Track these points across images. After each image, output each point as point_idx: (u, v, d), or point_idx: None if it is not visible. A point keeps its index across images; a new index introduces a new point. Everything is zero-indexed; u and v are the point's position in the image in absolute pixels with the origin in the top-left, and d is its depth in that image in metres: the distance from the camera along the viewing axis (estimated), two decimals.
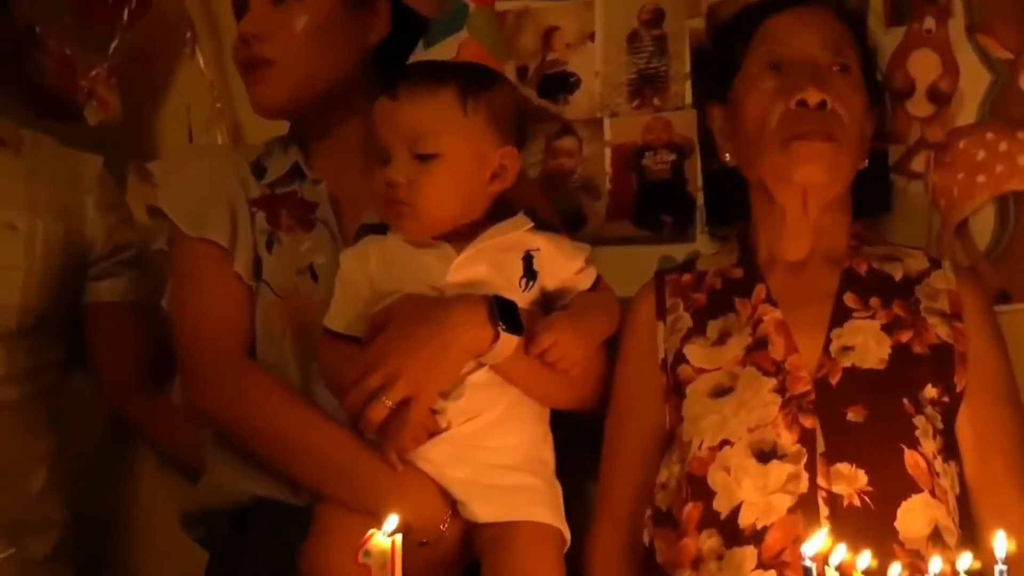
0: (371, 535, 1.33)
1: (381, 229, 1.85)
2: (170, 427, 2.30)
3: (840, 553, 1.31)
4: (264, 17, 1.94)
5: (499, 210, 1.85)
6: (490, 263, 1.80)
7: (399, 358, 1.72)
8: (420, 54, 1.83)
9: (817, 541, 1.32)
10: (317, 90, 1.95)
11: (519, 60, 2.30)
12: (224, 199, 1.97)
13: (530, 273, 1.82)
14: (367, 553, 1.33)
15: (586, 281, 1.88)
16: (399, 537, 1.32)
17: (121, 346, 2.31)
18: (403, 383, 1.72)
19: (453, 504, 1.77)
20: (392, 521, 1.34)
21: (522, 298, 1.80)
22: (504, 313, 1.75)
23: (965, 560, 1.35)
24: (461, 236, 1.81)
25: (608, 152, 2.26)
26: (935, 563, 1.34)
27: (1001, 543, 1.33)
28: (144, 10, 2.43)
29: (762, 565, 1.69)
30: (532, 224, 1.84)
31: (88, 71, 2.41)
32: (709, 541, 1.74)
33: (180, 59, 2.51)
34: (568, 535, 1.81)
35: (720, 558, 1.72)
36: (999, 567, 1.30)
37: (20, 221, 2.19)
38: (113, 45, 2.42)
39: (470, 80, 1.80)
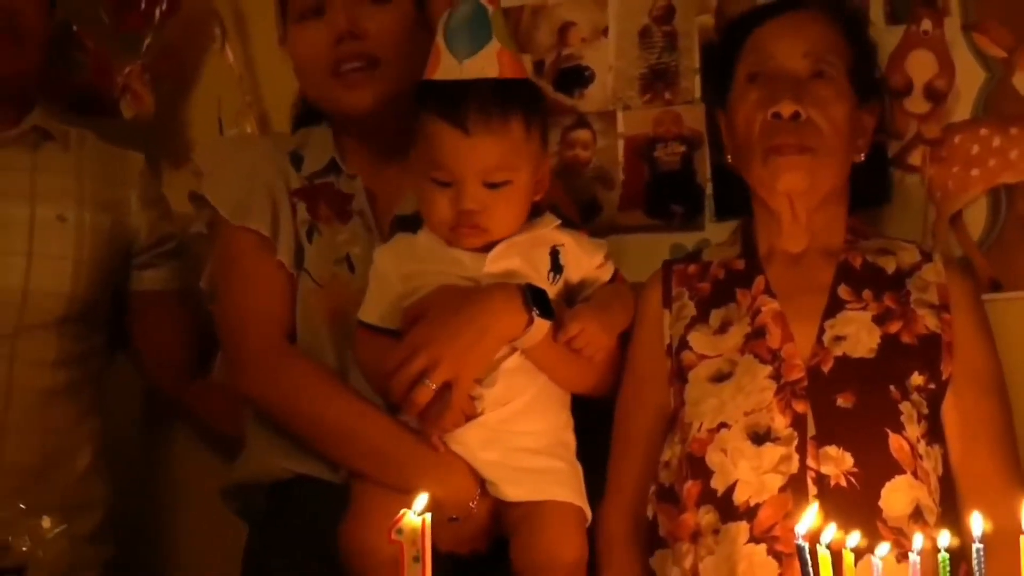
0: (403, 514, 1.40)
1: (415, 222, 1.93)
2: (211, 407, 2.37)
3: (831, 532, 1.36)
4: (362, 14, 1.98)
5: None
6: (522, 256, 1.89)
7: (441, 343, 1.80)
8: (457, 69, 1.85)
9: (809, 519, 1.38)
10: (405, 89, 1.94)
11: (536, 55, 2.39)
12: (265, 189, 2.02)
13: (557, 267, 1.92)
14: (399, 531, 1.39)
15: (606, 274, 1.97)
16: (428, 516, 1.39)
17: (163, 332, 2.38)
18: (445, 366, 1.80)
19: (482, 484, 1.86)
20: (422, 500, 1.41)
21: (550, 289, 1.89)
22: (537, 300, 1.84)
23: (944, 538, 1.40)
24: None
25: (621, 144, 2.35)
26: (917, 540, 1.41)
27: (977, 523, 1.39)
28: (175, 9, 2.52)
29: (754, 539, 1.79)
30: (559, 222, 1.94)
31: (122, 68, 2.50)
32: (707, 516, 1.83)
33: (210, 55, 2.59)
34: (589, 513, 1.90)
35: (716, 532, 1.82)
36: (976, 545, 1.36)
37: (70, 213, 2.26)
38: (146, 43, 2.51)
39: (527, 103, 1.87)
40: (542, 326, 1.84)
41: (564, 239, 1.94)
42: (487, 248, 1.89)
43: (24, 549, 1.86)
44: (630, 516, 1.97)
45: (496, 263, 1.88)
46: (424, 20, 2.03)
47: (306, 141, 2.10)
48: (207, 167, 2.10)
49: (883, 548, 1.40)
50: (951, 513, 1.84)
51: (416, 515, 1.39)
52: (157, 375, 2.42)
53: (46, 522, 1.87)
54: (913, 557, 1.37)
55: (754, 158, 1.91)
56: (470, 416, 1.85)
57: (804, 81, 1.90)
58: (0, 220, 2.22)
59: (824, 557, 1.32)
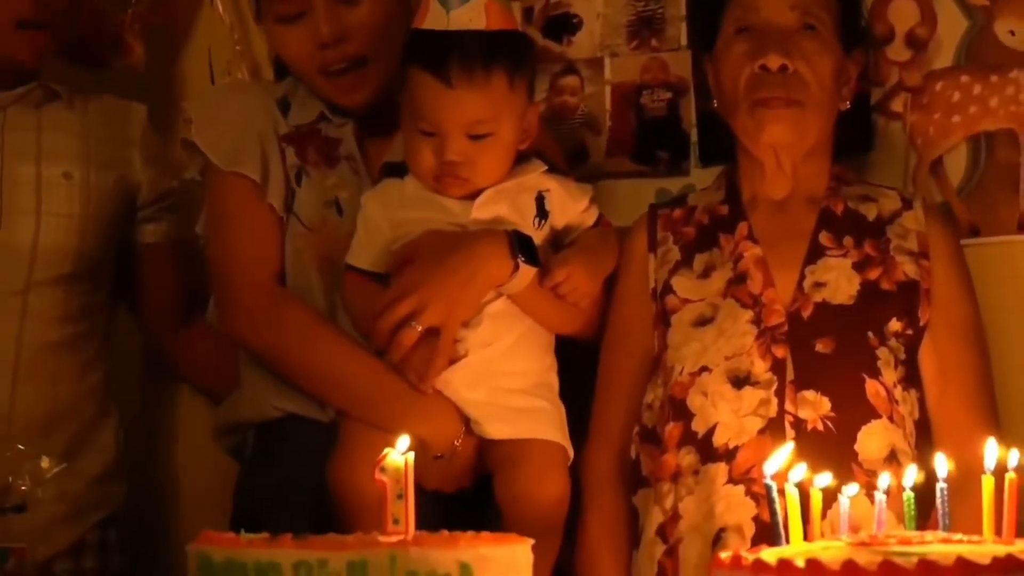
0: (386, 454, 1.40)
1: (404, 168, 1.95)
2: (200, 354, 2.41)
3: (800, 472, 1.38)
4: (343, 16, 2.00)
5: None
6: (508, 203, 1.93)
7: (429, 287, 1.84)
8: (444, 19, 1.86)
9: (778, 460, 1.40)
10: (398, 73, 1.94)
11: (525, 1, 2.40)
12: (255, 135, 2.05)
13: (542, 212, 1.95)
14: (383, 469, 1.39)
15: (591, 219, 2.00)
16: (411, 455, 1.40)
17: (161, 282, 2.42)
18: (433, 310, 1.84)
19: (466, 423, 1.90)
20: (405, 441, 1.42)
21: (536, 235, 1.92)
22: (523, 246, 1.88)
23: (911, 475, 1.43)
24: None
25: (608, 90, 2.37)
26: (884, 479, 1.44)
27: (942, 464, 1.42)
28: None
29: (732, 480, 1.83)
30: (546, 167, 1.96)
31: (113, 18, 2.51)
32: (687, 458, 1.88)
33: (200, 6, 2.60)
34: (571, 451, 1.94)
35: (696, 473, 1.86)
36: (940, 485, 1.39)
37: (75, 171, 2.28)
38: None
39: (512, 56, 1.88)
40: (528, 272, 1.88)
41: (550, 184, 1.96)
42: (473, 196, 1.92)
43: (24, 488, 1.91)
44: (614, 455, 2.00)
45: (483, 210, 1.91)
46: (407, 3, 2.06)
47: (294, 90, 2.12)
48: (197, 114, 2.12)
49: (852, 488, 1.43)
50: (927, 456, 1.83)
51: (400, 454, 1.42)
52: (154, 325, 2.46)
53: (45, 462, 1.91)
54: (879, 496, 1.40)
55: (740, 109, 1.94)
56: (453, 359, 1.89)
57: (792, 34, 1.92)
58: (8, 179, 2.24)
59: (792, 497, 1.34)
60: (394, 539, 1.29)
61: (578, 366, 2.06)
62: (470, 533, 1.43)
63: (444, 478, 1.91)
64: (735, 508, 1.82)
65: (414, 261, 1.88)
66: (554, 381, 1.98)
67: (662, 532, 1.89)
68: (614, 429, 2.02)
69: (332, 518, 1.83)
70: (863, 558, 1.14)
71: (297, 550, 1.25)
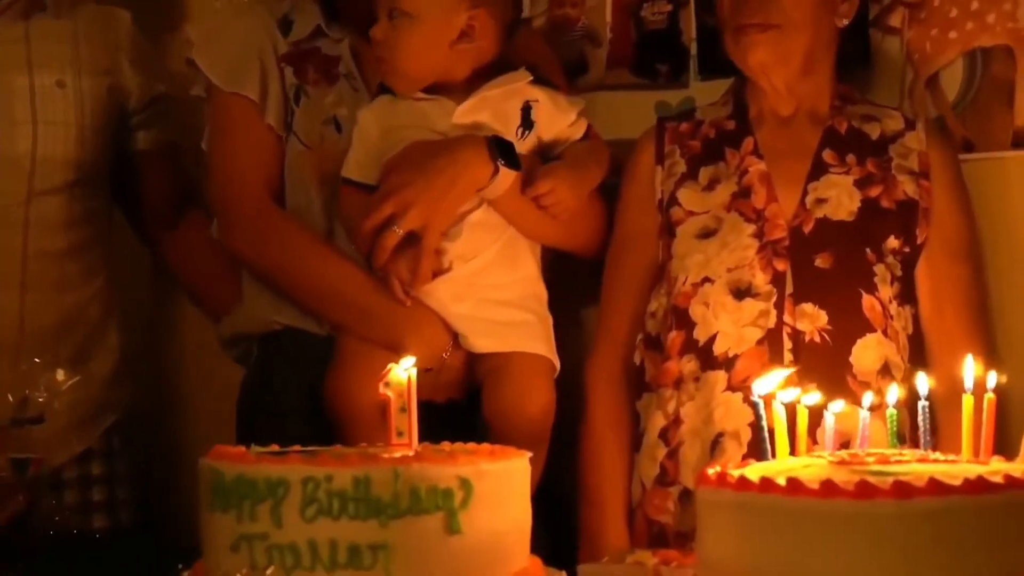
0: (390, 369, 1.48)
1: None
2: (192, 258, 2.44)
3: (790, 393, 1.42)
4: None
5: (503, 68, 2.00)
6: (491, 111, 1.97)
7: (410, 190, 1.88)
8: None
9: (770, 381, 1.44)
10: None
11: None
12: (255, 56, 2.10)
13: (527, 123, 1.99)
14: (387, 384, 1.47)
15: (578, 131, 2.04)
16: (414, 372, 1.47)
17: (155, 187, 2.43)
18: (414, 212, 1.88)
19: (455, 336, 1.96)
20: (409, 360, 1.50)
21: (520, 144, 1.96)
22: (502, 150, 1.92)
23: (893, 392, 1.47)
24: (460, 90, 1.97)
25: (609, 3, 2.38)
26: (867, 397, 1.49)
27: (923, 383, 1.46)
28: None
29: (731, 388, 1.91)
30: (531, 77, 1.99)
31: None
32: (688, 365, 1.95)
33: None
34: (557, 363, 1.99)
35: (697, 379, 1.94)
36: (921, 403, 1.44)
37: (68, 79, 2.27)
38: None
39: None
40: (507, 176, 1.92)
41: (538, 95, 2.00)
42: (461, 88, 1.96)
43: (41, 400, 1.96)
44: (619, 359, 2.07)
45: (464, 116, 1.96)
46: None
47: (297, 5, 2.15)
48: (199, 35, 2.17)
49: (838, 404, 1.48)
50: (920, 369, 1.92)
51: (402, 370, 1.47)
52: (149, 229, 2.48)
53: (60, 375, 1.95)
54: (863, 412, 1.45)
55: (727, 33, 1.99)
56: (437, 272, 1.93)
57: None
58: (2, 90, 2.23)
59: (778, 414, 1.39)
60: (397, 454, 1.37)
61: (579, 278, 2.12)
62: (471, 445, 1.50)
63: (435, 389, 1.96)
64: (733, 414, 1.90)
65: (397, 168, 1.92)
66: (541, 291, 2.03)
67: (664, 435, 1.97)
68: (620, 334, 2.08)
69: (329, 426, 1.91)
70: (841, 477, 1.20)
71: (305, 466, 1.32)
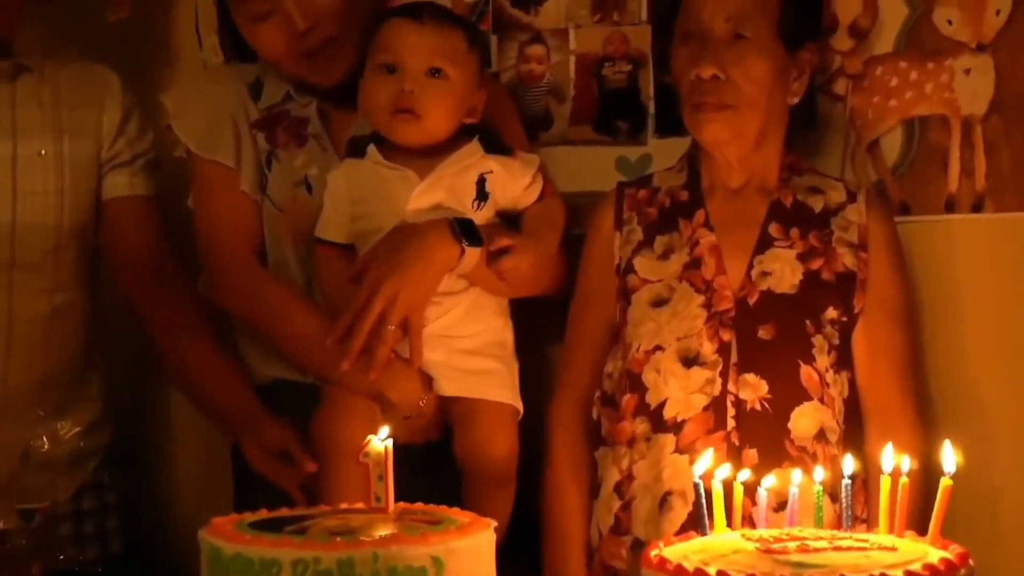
0: (368, 441, 1.62)
1: (368, 142, 2.09)
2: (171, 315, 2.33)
3: (725, 470, 1.56)
4: (309, 5, 2.11)
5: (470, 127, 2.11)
6: (447, 189, 2.07)
7: (388, 285, 1.98)
8: None
9: (705, 462, 1.57)
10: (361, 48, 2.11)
11: None
12: (229, 122, 2.21)
13: (482, 195, 2.10)
14: (366, 454, 1.61)
15: (533, 194, 2.15)
16: (390, 443, 1.61)
17: (133, 237, 2.35)
18: (399, 306, 1.99)
19: (430, 383, 2.09)
20: (384, 431, 1.63)
21: (476, 216, 2.08)
22: (464, 230, 2.03)
23: (819, 473, 1.60)
24: (425, 159, 2.07)
25: (573, 60, 2.49)
26: (796, 475, 1.60)
27: (848, 464, 1.57)
28: None
29: (679, 450, 2.04)
30: (483, 151, 2.10)
31: None
32: (641, 426, 2.08)
33: None
34: (521, 408, 2.13)
35: (648, 440, 2.06)
36: (844, 481, 1.56)
37: (48, 147, 2.24)
38: None
39: (472, 29, 2.10)
40: (473, 254, 2.03)
41: (491, 165, 2.11)
42: (425, 152, 2.05)
43: (43, 450, 2.08)
44: (580, 407, 2.20)
45: (422, 198, 2.05)
46: None
47: (265, 70, 2.26)
48: (174, 104, 2.25)
49: (769, 480, 1.61)
50: (856, 430, 2.08)
51: (380, 441, 1.62)
52: (123, 280, 2.37)
53: (63, 428, 2.07)
54: (792, 490, 1.59)
55: (685, 107, 2.11)
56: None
57: (727, 43, 2.05)
58: None
59: (717, 492, 1.54)
60: (377, 535, 1.51)
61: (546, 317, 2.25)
62: (442, 510, 1.65)
63: (412, 432, 2.09)
64: (680, 475, 2.03)
65: (372, 265, 2.02)
66: (507, 339, 2.16)
67: (618, 489, 2.10)
68: (580, 384, 2.21)
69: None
70: (763, 568, 1.36)
71: (295, 549, 1.46)
